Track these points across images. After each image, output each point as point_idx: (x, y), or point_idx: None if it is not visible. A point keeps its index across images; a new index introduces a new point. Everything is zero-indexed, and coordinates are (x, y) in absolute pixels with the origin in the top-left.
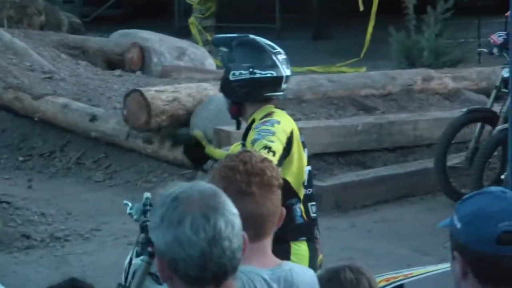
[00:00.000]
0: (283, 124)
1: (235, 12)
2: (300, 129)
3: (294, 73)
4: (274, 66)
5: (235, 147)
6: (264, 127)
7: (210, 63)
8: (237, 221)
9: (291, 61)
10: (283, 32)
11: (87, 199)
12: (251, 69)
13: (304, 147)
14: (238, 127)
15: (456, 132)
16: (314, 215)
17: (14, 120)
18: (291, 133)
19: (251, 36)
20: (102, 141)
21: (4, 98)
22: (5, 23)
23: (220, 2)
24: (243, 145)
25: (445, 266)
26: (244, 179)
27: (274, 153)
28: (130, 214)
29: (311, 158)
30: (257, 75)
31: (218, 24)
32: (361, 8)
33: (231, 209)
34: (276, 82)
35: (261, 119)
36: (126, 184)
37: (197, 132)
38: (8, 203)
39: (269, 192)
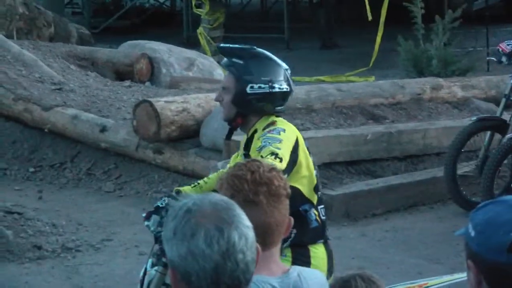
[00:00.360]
0: (288, 132)
1: (244, 23)
2: (310, 138)
3: (303, 83)
4: (287, 80)
5: (235, 159)
6: (270, 135)
7: (219, 73)
8: (251, 234)
9: (300, 70)
10: (292, 42)
11: (97, 210)
12: (270, 83)
13: (309, 152)
14: (230, 137)
15: (465, 141)
16: (324, 217)
17: (24, 132)
18: (296, 141)
19: (258, 48)
20: (112, 152)
21: (14, 109)
22: (15, 35)
23: (228, 12)
24: (245, 155)
25: (461, 276)
26: (252, 188)
27: (281, 160)
28: (147, 226)
29: (321, 167)
30: (276, 89)
31: (227, 34)
32: (370, 17)
33: (245, 222)
34: (287, 96)
35: (264, 128)
36: (136, 195)
37: (177, 189)
38: (19, 214)
39: (276, 202)
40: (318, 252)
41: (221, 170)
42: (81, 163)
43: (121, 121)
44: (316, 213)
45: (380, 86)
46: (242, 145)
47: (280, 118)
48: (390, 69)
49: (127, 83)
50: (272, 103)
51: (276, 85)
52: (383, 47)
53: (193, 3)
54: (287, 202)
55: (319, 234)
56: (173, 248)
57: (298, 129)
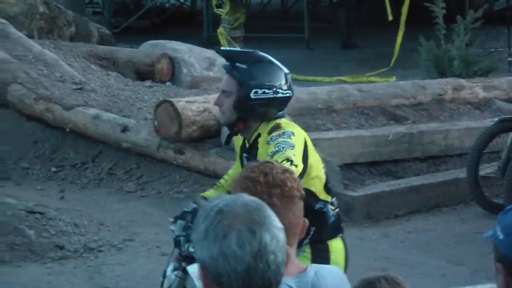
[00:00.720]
0: (297, 135)
1: (264, 22)
2: (331, 139)
3: (323, 83)
4: (290, 86)
5: (235, 171)
6: (281, 139)
7: None
8: (282, 235)
9: (320, 70)
10: (312, 41)
11: (119, 210)
12: (274, 89)
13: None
14: (228, 142)
15: (488, 142)
16: (337, 209)
17: (46, 131)
18: (305, 143)
19: (260, 52)
20: (134, 152)
21: (36, 109)
22: (36, 34)
23: (248, 12)
24: (248, 159)
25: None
26: (265, 190)
27: (296, 166)
28: (172, 230)
29: (342, 168)
30: (280, 95)
31: (247, 34)
32: (390, 17)
33: (276, 223)
34: (289, 100)
35: (269, 132)
36: (158, 195)
37: (202, 196)
38: (41, 213)
39: (290, 204)
40: (336, 246)
41: (235, 167)
42: (103, 163)
43: (142, 121)
44: (332, 208)
45: (401, 86)
46: (238, 147)
47: (283, 119)
48: (410, 69)
49: (148, 83)
50: (275, 108)
51: (280, 90)
52: (404, 47)
53: (214, 3)
54: (301, 203)
55: (336, 228)
56: (204, 249)
57: (319, 129)
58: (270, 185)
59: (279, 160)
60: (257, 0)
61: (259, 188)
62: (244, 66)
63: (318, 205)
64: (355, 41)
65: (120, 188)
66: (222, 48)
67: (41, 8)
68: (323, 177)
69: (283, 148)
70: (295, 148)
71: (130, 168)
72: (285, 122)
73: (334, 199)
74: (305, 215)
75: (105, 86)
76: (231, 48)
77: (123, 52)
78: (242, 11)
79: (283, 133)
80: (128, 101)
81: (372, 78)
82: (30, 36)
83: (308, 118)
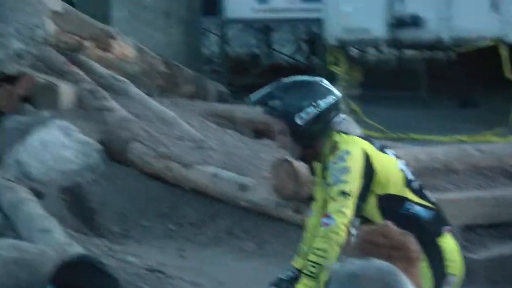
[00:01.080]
0: (353, 151)
1: (379, 80)
2: (450, 200)
3: (441, 143)
4: (329, 90)
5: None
6: (337, 166)
7: (355, 131)
8: None
9: (438, 129)
10: (429, 100)
11: (238, 269)
12: (314, 103)
13: (383, 149)
14: (313, 172)
15: None
16: (434, 200)
17: (165, 189)
18: (365, 154)
19: (283, 80)
20: (252, 211)
21: (155, 167)
22: (155, 92)
23: (364, 70)
24: (329, 185)
25: None
26: (385, 253)
27: (350, 195)
28: None
29: (462, 230)
30: (323, 106)
31: (364, 92)
32: (508, 75)
33: (409, 287)
34: (338, 103)
35: (329, 153)
36: (276, 254)
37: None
38: (162, 272)
39: (410, 266)
40: (447, 244)
41: (312, 219)
42: (221, 221)
43: (260, 179)
44: (423, 202)
45: None
46: (318, 173)
47: (341, 136)
48: None
49: (266, 141)
50: (327, 120)
51: (321, 102)
52: None
53: (329, 60)
54: (420, 266)
55: (439, 221)
56: None
57: (438, 190)
58: (390, 248)
59: (335, 196)
60: (373, 57)
61: (379, 251)
62: (278, 102)
63: (403, 208)
64: (474, 99)
65: (239, 247)
66: (251, 97)
67: (161, 67)
68: (399, 175)
69: (336, 178)
70: (350, 171)
71: (248, 227)
72: (341, 140)
73: (426, 193)
74: (393, 221)
75: (223, 144)
76: (257, 94)
77: (241, 110)
78: (358, 69)
79: (339, 156)
80: (246, 159)
81: (490, 138)
82: (150, 94)
83: (427, 178)
